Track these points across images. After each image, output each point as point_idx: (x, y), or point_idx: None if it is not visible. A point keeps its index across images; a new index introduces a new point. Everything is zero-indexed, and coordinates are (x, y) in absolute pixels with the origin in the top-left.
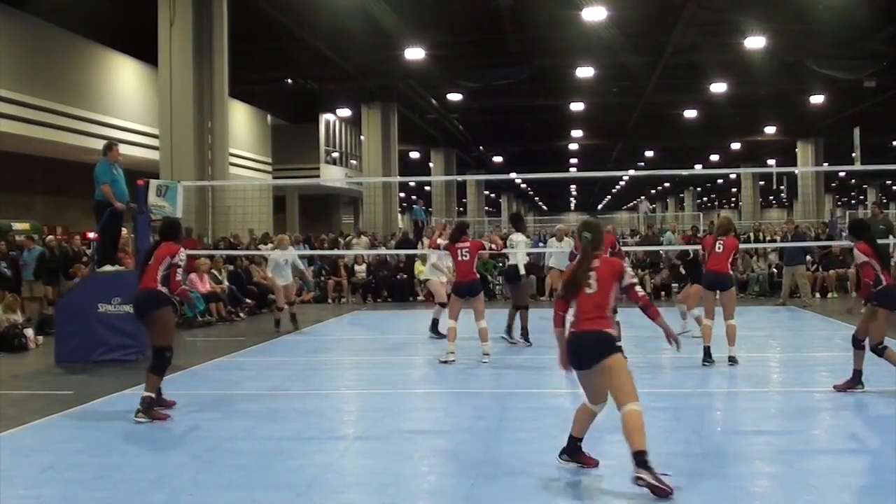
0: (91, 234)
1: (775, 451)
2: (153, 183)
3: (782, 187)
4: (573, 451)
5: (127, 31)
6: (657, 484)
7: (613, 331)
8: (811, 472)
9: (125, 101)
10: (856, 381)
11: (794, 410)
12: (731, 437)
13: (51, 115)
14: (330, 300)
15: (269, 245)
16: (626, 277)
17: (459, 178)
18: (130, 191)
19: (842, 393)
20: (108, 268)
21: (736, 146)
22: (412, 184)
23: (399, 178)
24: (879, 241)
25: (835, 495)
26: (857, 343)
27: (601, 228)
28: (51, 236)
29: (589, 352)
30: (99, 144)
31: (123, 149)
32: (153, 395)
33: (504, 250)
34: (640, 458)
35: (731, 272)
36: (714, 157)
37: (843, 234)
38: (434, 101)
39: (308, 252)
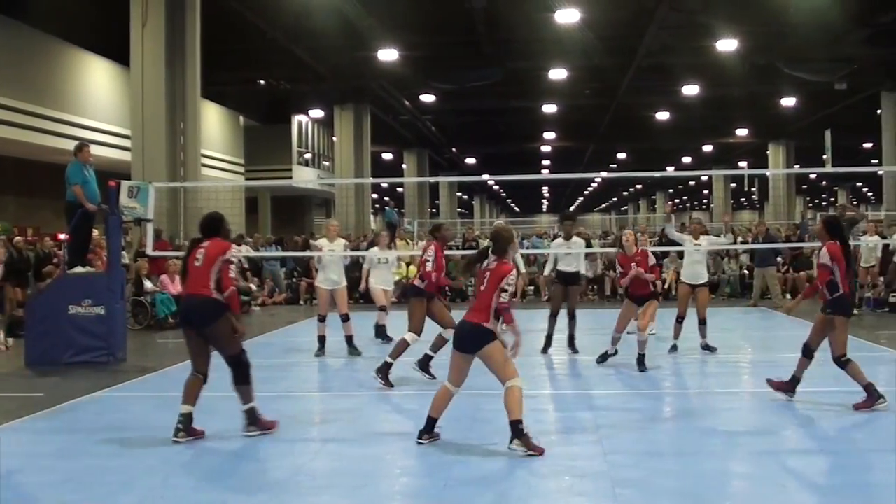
0: (62, 236)
1: (746, 452)
2: (125, 184)
3: (754, 189)
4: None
5: (99, 32)
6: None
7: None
8: (781, 472)
9: (97, 101)
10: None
11: (765, 411)
12: (703, 437)
13: (22, 115)
14: (302, 302)
15: (243, 247)
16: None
17: (432, 179)
18: (102, 192)
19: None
20: (78, 269)
21: (708, 148)
22: (385, 185)
23: (371, 180)
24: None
25: (804, 495)
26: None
27: (504, 235)
28: (18, 237)
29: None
30: (70, 145)
31: (95, 149)
32: (255, 406)
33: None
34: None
35: None
36: (686, 159)
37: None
38: (407, 103)
39: (280, 254)
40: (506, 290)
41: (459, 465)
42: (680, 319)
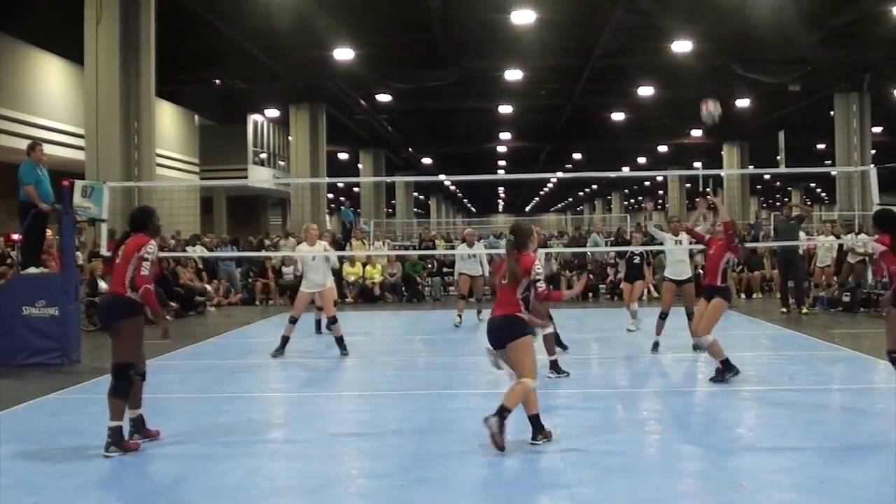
0: (15, 236)
1: (702, 450)
2: (78, 184)
3: (708, 189)
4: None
5: (52, 30)
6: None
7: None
8: (737, 471)
9: (50, 100)
10: None
11: (721, 409)
12: (659, 436)
13: None
14: (258, 302)
15: (198, 247)
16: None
17: (388, 179)
18: (55, 192)
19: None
20: (32, 270)
21: (663, 149)
22: (341, 185)
23: (327, 179)
24: (788, 243)
25: (761, 493)
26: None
27: (524, 229)
28: None
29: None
30: (23, 144)
31: (48, 149)
32: (121, 424)
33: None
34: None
35: None
36: (641, 160)
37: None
38: (363, 102)
39: (235, 254)
40: (538, 280)
41: (416, 465)
42: (663, 315)
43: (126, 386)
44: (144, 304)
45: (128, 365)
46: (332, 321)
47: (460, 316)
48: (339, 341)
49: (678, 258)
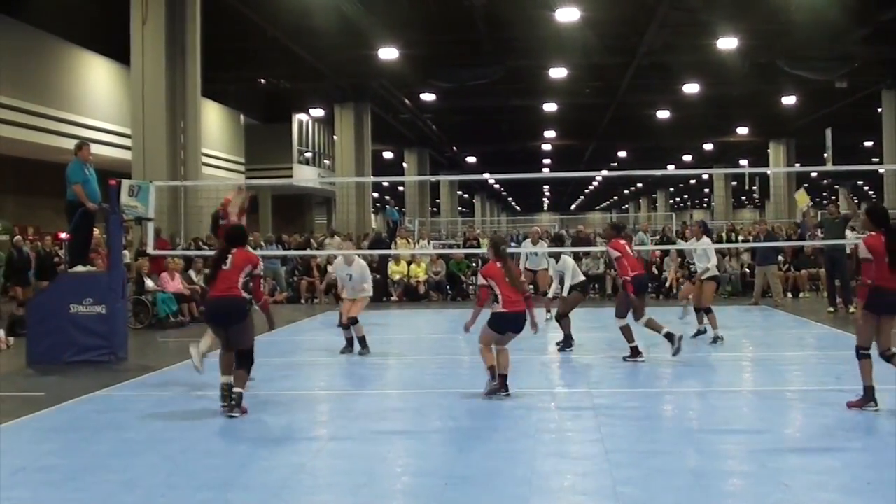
0: (63, 235)
1: (747, 451)
2: (125, 183)
3: (754, 187)
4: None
5: (99, 30)
6: None
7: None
8: (783, 471)
9: (97, 100)
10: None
11: (766, 409)
12: (704, 436)
13: (22, 114)
14: (303, 300)
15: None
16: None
17: (433, 178)
18: (102, 191)
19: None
20: (79, 268)
21: (708, 147)
22: (385, 184)
23: (372, 179)
24: (836, 241)
25: (806, 494)
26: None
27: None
28: (18, 236)
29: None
30: (70, 144)
31: (95, 148)
32: (244, 392)
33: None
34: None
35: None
36: (687, 158)
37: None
38: (407, 101)
39: (281, 252)
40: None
41: (461, 463)
42: (696, 310)
43: (251, 363)
44: (262, 309)
45: (252, 347)
46: (354, 321)
47: None
48: (362, 341)
49: (696, 258)
